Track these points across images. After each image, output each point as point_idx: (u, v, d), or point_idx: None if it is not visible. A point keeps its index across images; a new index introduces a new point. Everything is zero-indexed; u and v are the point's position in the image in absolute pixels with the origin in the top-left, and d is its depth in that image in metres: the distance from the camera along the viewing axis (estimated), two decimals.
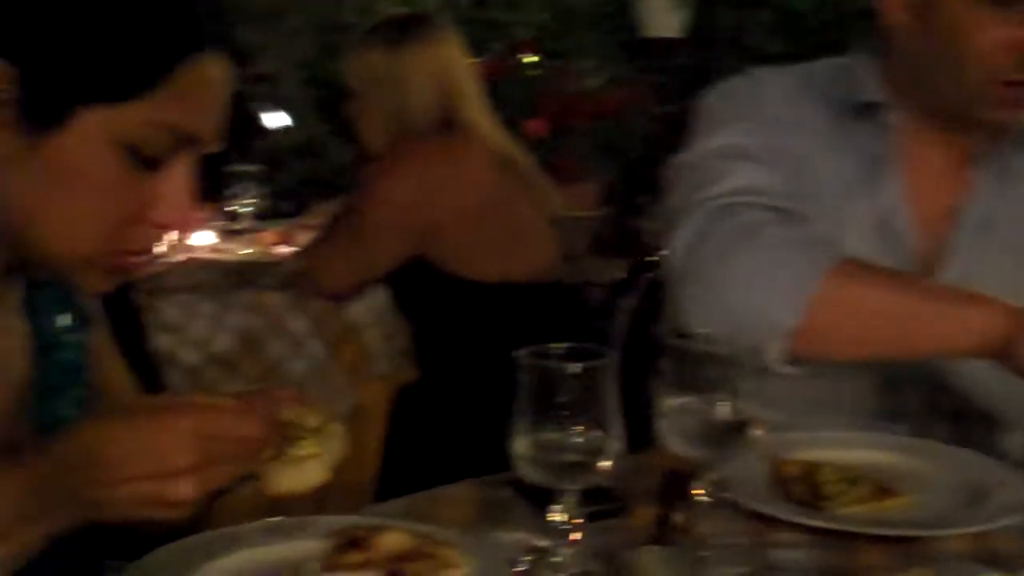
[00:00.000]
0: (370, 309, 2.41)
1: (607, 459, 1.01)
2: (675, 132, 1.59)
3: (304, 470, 0.99)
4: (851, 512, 1.18)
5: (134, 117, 0.91)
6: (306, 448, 0.99)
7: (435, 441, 2.23)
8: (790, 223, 1.36)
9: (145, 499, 0.89)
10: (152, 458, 0.88)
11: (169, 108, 0.92)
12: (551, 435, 1.01)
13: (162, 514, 0.91)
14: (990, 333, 1.25)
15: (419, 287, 2.38)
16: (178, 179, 0.96)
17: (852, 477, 1.22)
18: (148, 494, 0.88)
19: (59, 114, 0.90)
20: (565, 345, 1.02)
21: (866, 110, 1.47)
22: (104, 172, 0.92)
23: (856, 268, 1.34)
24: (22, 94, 0.89)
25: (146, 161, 0.93)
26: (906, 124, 1.47)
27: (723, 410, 1.07)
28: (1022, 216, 1.49)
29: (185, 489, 0.88)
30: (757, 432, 1.09)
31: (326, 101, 3.97)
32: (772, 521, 1.16)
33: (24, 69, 0.89)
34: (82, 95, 0.90)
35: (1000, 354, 1.26)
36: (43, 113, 0.90)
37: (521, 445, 1.01)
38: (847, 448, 1.33)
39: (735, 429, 1.07)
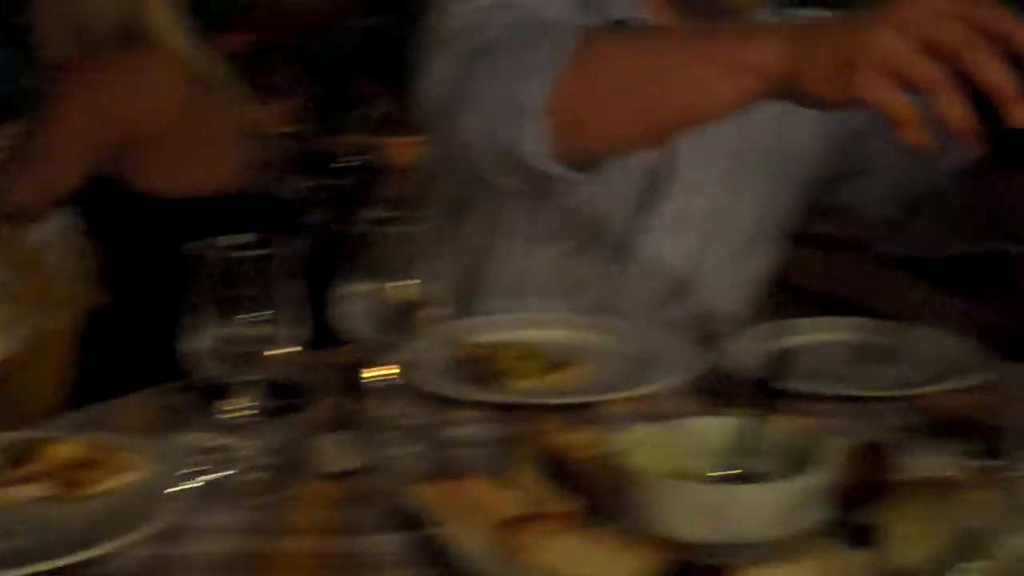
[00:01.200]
0: (57, 231, 2.31)
1: (283, 348, 1.01)
2: (380, 47, 1.54)
3: None
4: (527, 385, 1.22)
5: None
6: None
7: (128, 365, 2.16)
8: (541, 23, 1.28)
9: None
10: None
11: None
12: (225, 328, 0.99)
13: None
14: (770, 68, 1.07)
15: (107, 207, 2.29)
16: None
17: (529, 354, 1.27)
18: None
19: None
20: (237, 237, 1.01)
21: None
22: None
23: (607, 32, 1.28)
24: None
25: None
26: None
27: (399, 292, 1.08)
28: (738, 128, 1.46)
29: None
30: (436, 313, 1.11)
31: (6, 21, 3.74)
32: (451, 402, 1.19)
33: None
34: None
35: (784, 91, 1.08)
36: None
37: (197, 340, 0.99)
38: (527, 328, 1.38)
39: (411, 311, 1.09)
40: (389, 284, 1.08)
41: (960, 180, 1.41)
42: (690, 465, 0.91)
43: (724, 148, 1.49)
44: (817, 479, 0.84)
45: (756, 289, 1.62)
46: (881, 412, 1.16)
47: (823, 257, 3.12)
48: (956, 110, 0.96)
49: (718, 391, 1.20)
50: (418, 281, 1.09)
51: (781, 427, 0.94)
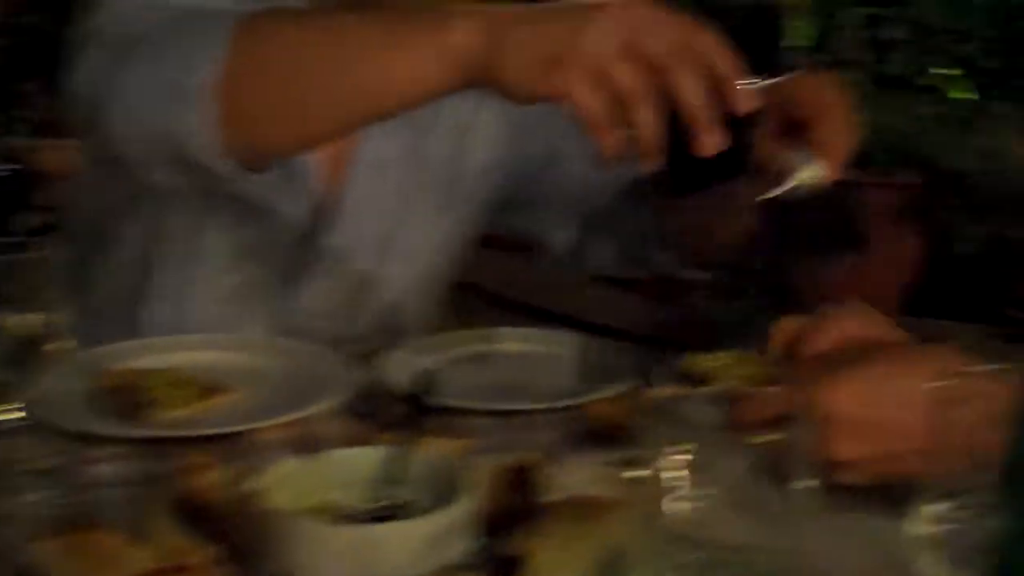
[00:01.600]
0: None
1: None
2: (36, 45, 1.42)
3: None
4: (175, 415, 1.15)
5: None
6: None
7: None
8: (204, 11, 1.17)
9: None
10: None
11: None
12: None
13: None
14: (468, 54, 0.99)
15: None
16: None
17: (177, 380, 1.19)
18: None
19: None
20: None
21: None
22: None
23: (284, 14, 1.16)
24: None
25: None
26: None
27: (23, 323, 1.00)
28: (410, 157, 1.47)
29: None
30: (67, 346, 1.03)
31: None
32: (89, 438, 1.10)
33: None
34: None
35: (481, 80, 1.01)
36: None
37: None
38: (177, 352, 1.30)
39: (38, 343, 1.01)
40: (10, 317, 0.99)
41: (636, 202, 1.43)
42: (337, 498, 0.88)
43: (395, 171, 1.46)
44: (462, 509, 0.82)
45: (442, 288, 1.59)
46: (536, 425, 1.16)
47: (506, 260, 3.16)
48: (647, 123, 0.97)
49: (373, 412, 1.17)
50: (43, 314, 1.00)
51: (428, 452, 0.92)
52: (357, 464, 0.89)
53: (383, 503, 0.86)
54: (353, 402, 1.19)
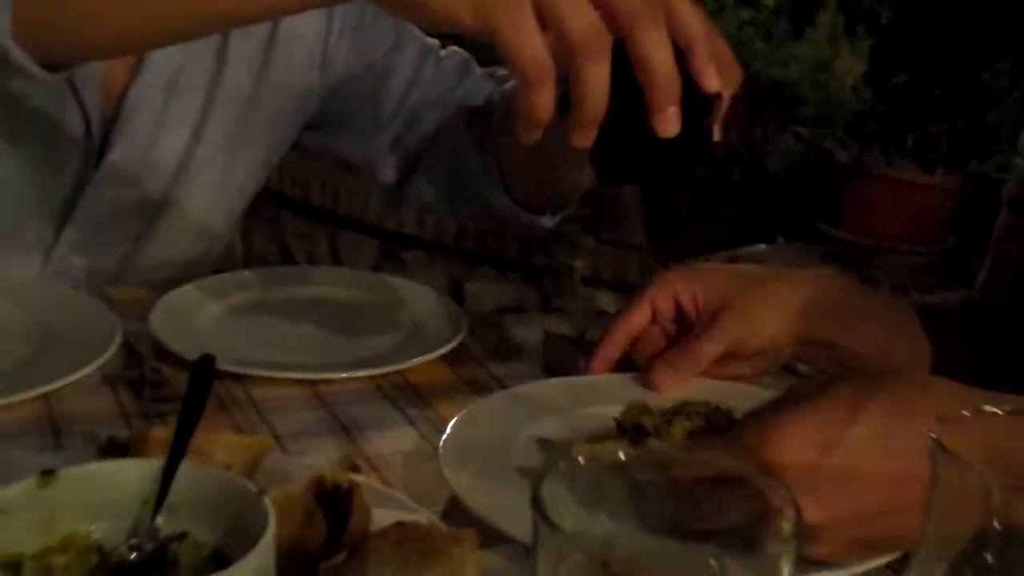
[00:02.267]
0: None
1: None
2: None
3: None
4: None
5: None
6: None
7: None
8: None
9: None
10: None
11: None
12: None
13: None
14: None
15: None
16: None
17: None
18: None
19: None
20: None
21: None
22: None
23: None
24: None
25: None
26: None
27: None
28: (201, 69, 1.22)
29: None
30: None
31: None
32: None
33: None
34: None
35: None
36: None
37: None
38: None
39: None
40: None
41: (471, 138, 1.22)
42: (87, 533, 0.64)
43: (189, 86, 1.21)
44: (260, 555, 0.60)
45: (243, 202, 1.34)
46: (354, 397, 0.95)
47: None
48: (596, 84, 0.72)
49: (141, 383, 0.94)
50: None
51: (214, 455, 0.70)
52: (114, 482, 0.65)
53: (148, 545, 0.62)
54: (118, 369, 0.95)
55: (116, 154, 1.18)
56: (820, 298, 0.95)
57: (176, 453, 0.65)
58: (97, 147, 1.17)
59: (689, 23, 0.74)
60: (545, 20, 0.72)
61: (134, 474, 0.65)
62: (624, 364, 0.97)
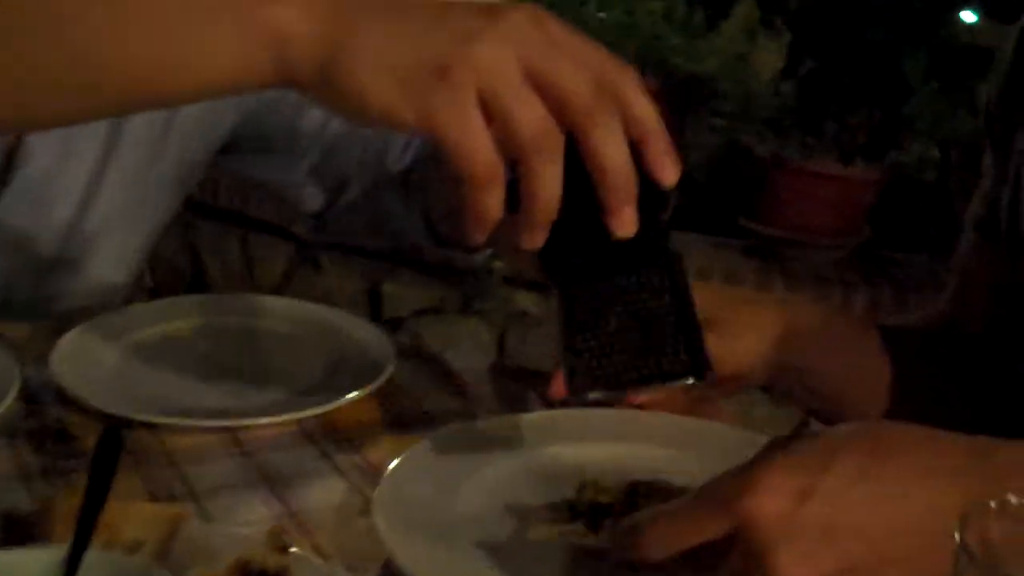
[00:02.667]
0: None
1: None
2: None
3: None
4: None
5: None
6: None
7: None
8: None
9: None
10: None
11: None
12: None
13: None
14: (296, 39, 0.67)
15: None
16: None
17: None
18: None
19: None
20: None
21: None
22: None
23: None
24: None
25: None
26: None
27: None
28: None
29: None
30: None
31: None
32: None
33: None
34: None
35: (314, 80, 0.68)
36: None
37: None
38: None
39: None
40: None
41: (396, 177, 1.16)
42: None
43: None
44: None
45: (143, 257, 1.26)
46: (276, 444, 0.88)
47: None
48: (548, 184, 0.66)
49: (41, 439, 0.86)
50: None
51: (126, 534, 0.63)
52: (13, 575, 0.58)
53: None
54: (17, 419, 0.87)
55: (20, 181, 1.10)
56: (797, 325, 0.93)
57: (80, 540, 0.58)
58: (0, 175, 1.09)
59: (643, 115, 0.68)
60: (491, 112, 0.64)
61: (34, 566, 0.58)
62: None
